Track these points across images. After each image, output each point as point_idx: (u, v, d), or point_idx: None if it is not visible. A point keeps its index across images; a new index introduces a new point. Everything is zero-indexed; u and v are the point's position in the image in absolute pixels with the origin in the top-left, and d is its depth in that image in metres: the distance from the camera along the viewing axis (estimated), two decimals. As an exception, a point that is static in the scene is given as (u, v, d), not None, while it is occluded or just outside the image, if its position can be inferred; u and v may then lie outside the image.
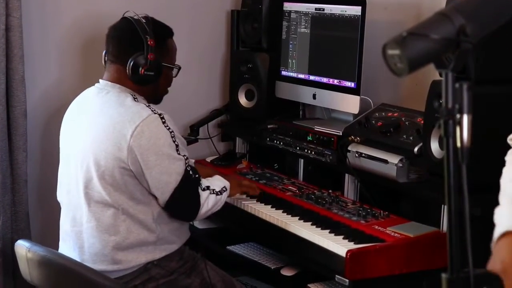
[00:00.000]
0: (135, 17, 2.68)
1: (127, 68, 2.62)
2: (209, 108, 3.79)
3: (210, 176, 2.80)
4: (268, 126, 3.35)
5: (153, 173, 2.52)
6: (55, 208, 2.76)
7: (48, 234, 3.27)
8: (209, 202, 2.64)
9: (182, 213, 2.67)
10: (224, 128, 3.81)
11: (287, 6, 3.41)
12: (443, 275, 1.28)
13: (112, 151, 2.51)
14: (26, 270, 2.55)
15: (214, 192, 2.66)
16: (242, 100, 3.58)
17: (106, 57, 2.72)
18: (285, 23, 3.42)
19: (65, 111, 2.70)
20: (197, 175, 2.62)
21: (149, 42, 2.62)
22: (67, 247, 2.68)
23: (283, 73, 3.45)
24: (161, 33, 2.70)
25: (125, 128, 2.50)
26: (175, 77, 2.81)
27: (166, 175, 2.54)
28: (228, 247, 3.15)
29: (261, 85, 3.49)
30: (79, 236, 2.62)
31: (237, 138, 3.71)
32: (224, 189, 2.72)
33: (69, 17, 3.40)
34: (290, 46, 3.40)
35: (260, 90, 3.50)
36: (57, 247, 2.73)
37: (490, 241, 2.00)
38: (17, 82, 3.13)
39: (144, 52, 2.62)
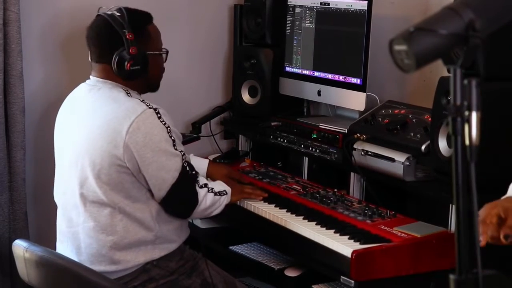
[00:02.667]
0: (108, 13, 2.63)
1: (113, 66, 2.58)
2: (211, 105, 3.75)
3: (223, 175, 2.82)
4: (272, 124, 3.33)
5: (150, 169, 2.49)
6: (54, 207, 2.74)
7: (46, 234, 3.24)
8: (207, 200, 2.61)
9: (178, 210, 2.63)
10: (227, 125, 3.78)
11: (292, 0, 3.39)
12: (451, 276, 1.26)
13: (108, 149, 2.47)
14: (23, 270, 2.53)
15: (212, 191, 2.63)
16: (245, 96, 3.56)
17: (90, 57, 2.68)
18: (289, 18, 3.39)
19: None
20: (194, 172, 2.60)
21: (127, 36, 2.57)
22: (64, 248, 2.66)
23: (287, 69, 3.42)
24: (138, 23, 2.64)
25: (120, 125, 2.47)
26: (165, 61, 2.76)
27: (163, 172, 2.51)
28: (230, 247, 3.14)
29: (265, 82, 3.47)
30: (76, 236, 2.60)
31: (240, 136, 3.69)
32: (224, 192, 2.69)
33: (68, 12, 3.38)
34: (295, 41, 3.37)
35: (263, 86, 3.47)
36: (55, 247, 2.71)
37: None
38: (15, 78, 3.11)
39: (125, 48, 2.57)
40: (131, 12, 2.63)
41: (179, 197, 2.56)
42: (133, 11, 2.65)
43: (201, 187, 2.61)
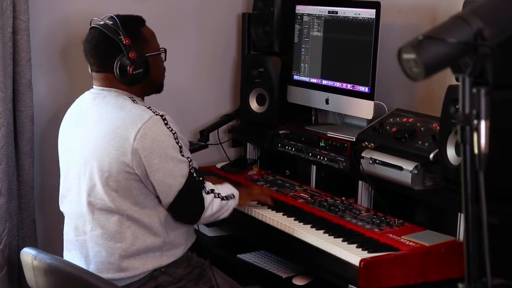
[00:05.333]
0: (101, 23, 2.64)
1: (115, 73, 2.59)
2: (219, 113, 3.76)
3: (220, 184, 2.77)
4: (280, 132, 3.32)
5: (157, 176, 2.49)
6: (62, 215, 2.74)
7: (54, 242, 3.24)
8: (213, 206, 2.61)
9: (184, 216, 2.63)
10: (235, 133, 3.78)
11: (300, 9, 3.38)
12: (460, 286, 1.27)
13: (116, 156, 2.47)
14: (32, 278, 2.52)
15: (219, 196, 2.64)
16: (253, 105, 3.55)
17: (90, 68, 2.68)
18: (297, 26, 3.39)
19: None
20: (201, 178, 2.60)
21: (124, 42, 2.58)
22: (72, 257, 2.65)
23: (295, 77, 3.41)
24: (132, 27, 2.64)
25: (127, 132, 2.47)
26: (165, 60, 2.77)
27: (170, 178, 2.51)
28: (238, 255, 3.13)
29: (273, 90, 3.47)
30: (84, 245, 2.59)
31: (248, 144, 3.68)
32: (231, 196, 2.69)
33: (77, 20, 3.38)
34: (303, 49, 3.37)
35: (271, 94, 3.47)
36: (63, 255, 2.70)
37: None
38: (24, 86, 3.11)
39: (124, 53, 2.58)
40: (123, 18, 2.64)
41: (186, 203, 2.56)
42: (125, 17, 2.66)
43: (207, 193, 2.61)
